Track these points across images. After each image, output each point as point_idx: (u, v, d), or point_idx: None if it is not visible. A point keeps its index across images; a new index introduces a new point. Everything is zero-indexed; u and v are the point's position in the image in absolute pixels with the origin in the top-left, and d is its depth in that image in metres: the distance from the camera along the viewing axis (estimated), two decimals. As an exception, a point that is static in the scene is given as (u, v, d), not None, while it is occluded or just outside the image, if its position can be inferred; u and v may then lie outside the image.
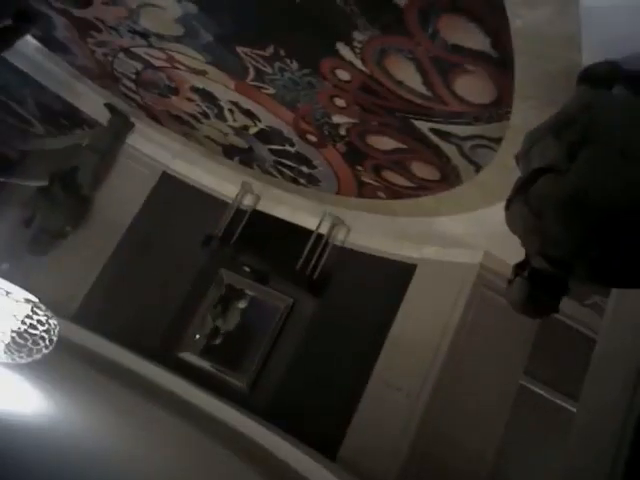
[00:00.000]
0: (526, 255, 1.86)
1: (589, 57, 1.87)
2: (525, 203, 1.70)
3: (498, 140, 2.69)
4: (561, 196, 1.60)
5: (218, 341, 5.20)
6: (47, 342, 3.18)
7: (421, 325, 4.16)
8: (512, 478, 4.70)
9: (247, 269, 5.17)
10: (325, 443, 4.14)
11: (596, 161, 1.58)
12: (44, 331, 3.16)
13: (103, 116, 5.36)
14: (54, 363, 3.56)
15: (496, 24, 2.02)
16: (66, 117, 5.71)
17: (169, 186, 5.63)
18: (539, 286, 1.78)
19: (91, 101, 5.26)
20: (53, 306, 3.85)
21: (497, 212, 2.11)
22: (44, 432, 3.01)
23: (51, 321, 3.21)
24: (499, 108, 2.48)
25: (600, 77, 1.83)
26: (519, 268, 1.87)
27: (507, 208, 1.83)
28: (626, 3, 1.63)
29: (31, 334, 3.11)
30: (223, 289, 5.32)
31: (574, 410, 2.46)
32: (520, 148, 1.96)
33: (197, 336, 5.20)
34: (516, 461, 4.67)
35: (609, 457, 1.91)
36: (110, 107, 5.21)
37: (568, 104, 1.83)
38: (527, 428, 4.63)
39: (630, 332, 2.14)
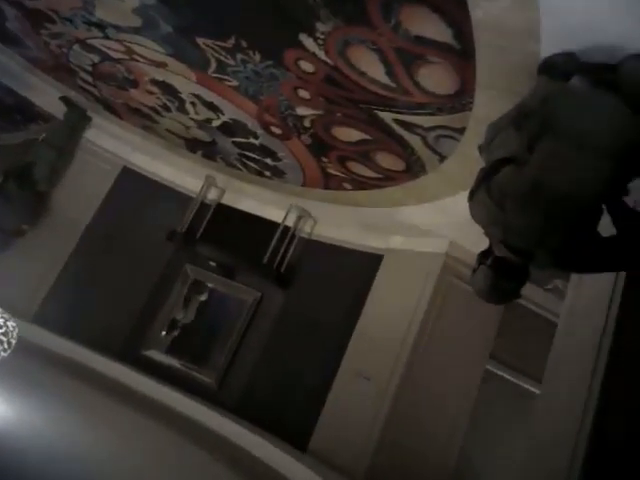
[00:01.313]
0: (489, 244, 1.90)
1: (548, 48, 1.90)
2: (488, 194, 1.74)
3: (461, 130, 2.72)
4: (520, 187, 1.64)
5: (176, 333, 5.14)
6: (5, 345, 3.08)
7: (389, 314, 4.20)
8: (479, 462, 4.84)
9: (213, 264, 5.12)
10: (295, 435, 4.15)
11: (552, 152, 1.63)
12: (2, 334, 3.06)
13: (59, 110, 5.20)
14: (14, 366, 3.46)
15: (458, 15, 2.04)
16: (20, 111, 5.51)
17: (130, 181, 5.51)
18: (502, 274, 1.82)
19: (46, 94, 5.10)
20: (11, 307, 3.73)
21: (461, 201, 2.14)
22: (4, 437, 2.92)
23: (9, 323, 3.11)
24: (462, 99, 2.51)
25: (558, 68, 1.87)
26: (483, 257, 1.91)
27: (470, 199, 1.86)
28: (583, -6, 1.67)
29: (-11, 337, 3.01)
30: (189, 284, 5.25)
31: (538, 392, 2.54)
32: (483, 139, 2.00)
33: (163, 333, 5.12)
34: (483, 444, 4.80)
35: (572, 437, 1.98)
36: (66, 100, 5.05)
37: (527, 95, 1.88)
38: (493, 411, 4.76)
39: (589, 315, 2.22)
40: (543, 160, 1.63)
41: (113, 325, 5.11)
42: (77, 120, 5.26)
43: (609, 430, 1.95)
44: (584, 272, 1.98)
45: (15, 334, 3.15)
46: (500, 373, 4.80)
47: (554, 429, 2.16)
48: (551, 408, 2.28)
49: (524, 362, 4.69)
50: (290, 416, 4.37)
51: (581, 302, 2.35)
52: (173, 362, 5.00)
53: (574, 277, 2.45)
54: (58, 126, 5.24)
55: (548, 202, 1.60)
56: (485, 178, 1.79)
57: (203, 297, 5.25)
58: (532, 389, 4.65)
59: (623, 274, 2.10)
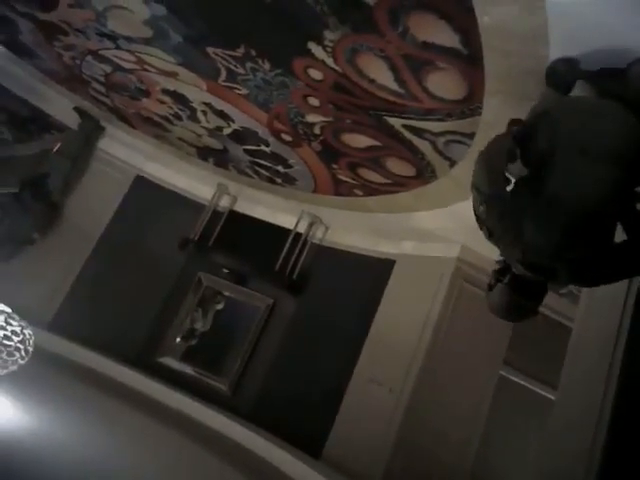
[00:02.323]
0: (505, 261, 1.87)
1: (556, 52, 1.90)
2: (501, 214, 1.72)
3: (471, 135, 2.72)
4: (536, 205, 1.62)
5: (194, 342, 5.17)
6: (23, 353, 3.13)
7: (402, 320, 4.19)
8: (495, 467, 4.78)
9: (226, 271, 5.14)
10: (310, 442, 4.14)
11: (562, 166, 1.61)
12: (19, 342, 3.10)
13: (72, 120, 5.27)
14: (31, 374, 3.50)
15: (465, 21, 2.04)
16: (34, 122, 5.59)
17: (143, 189, 5.56)
18: (521, 291, 1.79)
19: (60, 105, 5.17)
20: (28, 315, 3.78)
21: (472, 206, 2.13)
22: (24, 445, 2.95)
23: (26, 331, 3.15)
24: (471, 104, 2.50)
25: (559, 76, 1.87)
26: (500, 274, 1.87)
27: (479, 221, 1.83)
28: (590, -1, 1.66)
29: (5, 345, 3.05)
30: (202, 292, 5.28)
31: (553, 398, 2.51)
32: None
33: (177, 339, 5.15)
34: (499, 450, 4.75)
35: (587, 443, 1.96)
36: (80, 111, 5.12)
37: (532, 109, 1.87)
38: (509, 417, 4.71)
39: (604, 319, 2.19)
40: (555, 175, 1.61)
41: (128, 332, 5.15)
42: (91, 130, 5.33)
43: (626, 436, 1.92)
44: (601, 284, 1.94)
45: (32, 342, 3.19)
46: (514, 379, 4.75)
47: (570, 435, 2.14)
48: (567, 414, 2.25)
49: (539, 368, 4.64)
50: (304, 422, 4.36)
51: (595, 306, 2.33)
52: (187, 369, 5.02)
53: (588, 281, 2.42)
54: (72, 137, 5.31)
55: (566, 217, 1.58)
56: (493, 196, 1.76)
57: (220, 306, 5.27)
58: (547, 395, 4.60)
59: (637, 278, 2.08)
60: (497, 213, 1.72)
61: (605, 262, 1.67)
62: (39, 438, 3.36)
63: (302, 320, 4.87)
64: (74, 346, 4.75)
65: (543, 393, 4.70)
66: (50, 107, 5.29)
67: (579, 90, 1.83)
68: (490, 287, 1.89)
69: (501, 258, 1.91)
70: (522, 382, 4.80)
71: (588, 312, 2.38)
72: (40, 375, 3.81)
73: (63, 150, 5.28)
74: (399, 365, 3.99)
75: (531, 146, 1.69)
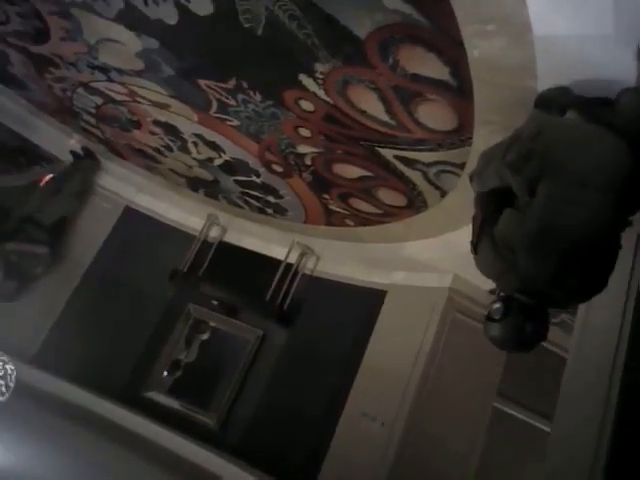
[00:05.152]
0: (500, 292, 1.83)
1: (544, 83, 1.93)
2: (493, 246, 1.71)
3: (461, 165, 2.74)
4: (529, 233, 1.61)
5: (179, 374, 5.06)
6: (3, 389, 3.03)
7: (393, 351, 4.14)
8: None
9: (215, 302, 5.07)
10: (300, 478, 4.03)
11: (556, 193, 1.61)
12: (0, 377, 3.01)
13: (62, 152, 5.26)
14: (12, 410, 3.39)
15: (454, 54, 2.08)
16: (23, 153, 5.57)
17: (133, 220, 5.53)
18: (527, 318, 1.73)
19: (50, 137, 5.17)
20: (11, 349, 3.69)
21: (464, 235, 2.13)
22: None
23: (7, 366, 3.06)
24: (461, 134, 2.53)
25: (552, 101, 1.88)
26: (506, 305, 1.77)
27: (475, 252, 1.82)
28: (578, 32, 1.69)
29: (-13, 381, 2.96)
30: (191, 324, 5.19)
31: (549, 430, 2.47)
32: (475, 167, 1.99)
33: (164, 373, 5.04)
34: (495, 485, 4.64)
35: (585, 475, 1.91)
36: (75, 155, 5.16)
37: (521, 127, 1.88)
38: (504, 450, 4.63)
39: (598, 349, 2.17)
40: (546, 203, 1.61)
41: (114, 366, 5.03)
42: (90, 168, 5.34)
43: (623, 470, 1.89)
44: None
45: (13, 377, 3.10)
46: (509, 411, 4.68)
47: (567, 467, 2.09)
48: (564, 445, 2.21)
49: (533, 399, 4.58)
50: (295, 457, 4.25)
51: (589, 336, 2.31)
52: (174, 404, 4.89)
53: (581, 311, 2.41)
54: (70, 171, 5.29)
55: (558, 245, 1.57)
56: (483, 227, 1.77)
57: (205, 336, 5.19)
58: (543, 427, 4.53)
59: (631, 307, 2.07)
60: (488, 237, 1.72)
61: (600, 280, 1.65)
62: (20, 475, 3.25)
63: (293, 352, 4.80)
64: (58, 381, 4.63)
65: (538, 425, 4.64)
66: (40, 139, 5.29)
67: (571, 115, 1.84)
68: (492, 319, 1.78)
69: (495, 288, 1.90)
70: (516, 414, 4.73)
71: (582, 342, 2.36)
72: (22, 411, 3.69)
73: (61, 184, 5.24)
74: (391, 398, 3.92)
75: (524, 171, 1.69)
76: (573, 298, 1.72)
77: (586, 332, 2.33)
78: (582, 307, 2.38)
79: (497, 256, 1.69)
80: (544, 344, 4.01)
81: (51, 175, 5.31)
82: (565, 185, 1.60)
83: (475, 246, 1.81)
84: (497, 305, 1.75)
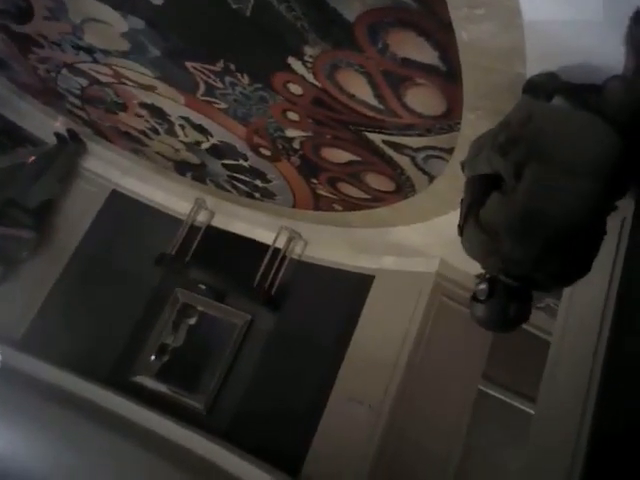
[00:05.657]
0: (486, 274, 1.85)
1: (533, 69, 1.93)
2: (479, 228, 1.72)
3: (450, 150, 2.74)
4: (512, 218, 1.63)
5: (166, 358, 5.06)
6: (-9, 373, 3.01)
7: (381, 336, 4.17)
8: (475, 482, 4.76)
9: (203, 287, 5.07)
10: (288, 460, 4.07)
11: (542, 179, 1.62)
12: (-13, 361, 2.99)
13: (47, 134, 5.18)
14: (-1, 394, 3.38)
15: (444, 38, 2.07)
16: (7, 135, 5.47)
17: (119, 204, 5.48)
18: (511, 298, 1.76)
19: (34, 118, 5.08)
20: (-3, 334, 3.67)
21: (451, 220, 2.14)
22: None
23: (-5, 350, 3.04)
24: (449, 119, 2.53)
25: (540, 87, 1.89)
26: (490, 285, 1.79)
27: (460, 234, 1.84)
28: (567, 17, 1.69)
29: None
30: (179, 308, 5.18)
31: (533, 412, 2.51)
32: (466, 155, 2.00)
33: (152, 357, 5.04)
34: (479, 465, 4.74)
35: (568, 457, 1.95)
36: (59, 137, 5.07)
37: (511, 114, 1.88)
38: (488, 431, 4.71)
39: (582, 333, 2.21)
40: (531, 187, 1.62)
41: (101, 350, 5.02)
42: (75, 151, 5.26)
43: (606, 451, 1.93)
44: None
45: None
46: (494, 393, 4.76)
47: (550, 449, 2.14)
48: (546, 428, 2.25)
49: (518, 381, 4.66)
50: (282, 441, 4.29)
51: (573, 320, 2.34)
52: (162, 388, 4.91)
53: (566, 294, 2.45)
54: (55, 154, 5.21)
55: (542, 230, 1.59)
56: (470, 210, 1.78)
57: (192, 321, 5.18)
58: (527, 409, 4.62)
59: (614, 291, 2.10)
60: (474, 218, 1.73)
61: (584, 264, 1.68)
62: (6, 459, 3.24)
63: (280, 336, 4.82)
64: (45, 365, 4.61)
65: (522, 407, 4.72)
66: (24, 120, 5.20)
67: (558, 101, 1.85)
68: (477, 300, 1.82)
69: (482, 272, 1.91)
70: (501, 396, 4.82)
71: (566, 326, 2.39)
72: (8, 395, 3.68)
73: (44, 164, 5.16)
74: (378, 381, 3.96)
75: (511, 155, 1.69)
76: (556, 282, 1.76)
77: (570, 316, 2.37)
78: (566, 291, 2.42)
79: (482, 238, 1.70)
80: (529, 328, 4.11)
81: (33, 157, 5.22)
82: (552, 171, 1.61)
83: (462, 228, 1.82)
84: (482, 286, 1.78)
